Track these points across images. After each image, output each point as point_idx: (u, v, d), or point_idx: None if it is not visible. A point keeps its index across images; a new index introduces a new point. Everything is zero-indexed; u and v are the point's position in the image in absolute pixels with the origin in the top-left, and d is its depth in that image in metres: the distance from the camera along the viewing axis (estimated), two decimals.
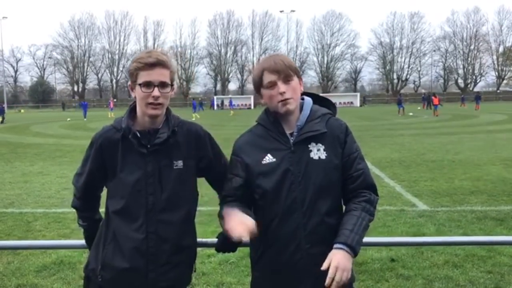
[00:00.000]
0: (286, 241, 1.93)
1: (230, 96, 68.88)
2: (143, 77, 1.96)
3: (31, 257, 5.10)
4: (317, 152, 1.94)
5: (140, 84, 1.97)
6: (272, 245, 1.96)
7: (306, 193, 1.91)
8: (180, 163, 2.05)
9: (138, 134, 2.01)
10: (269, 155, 1.96)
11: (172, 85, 2.02)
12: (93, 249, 2.15)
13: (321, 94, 2.24)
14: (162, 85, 1.97)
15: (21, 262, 4.99)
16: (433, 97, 38.37)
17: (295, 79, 1.99)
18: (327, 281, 1.75)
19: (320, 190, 1.92)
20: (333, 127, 2.00)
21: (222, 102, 66.16)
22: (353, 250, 1.82)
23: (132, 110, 2.09)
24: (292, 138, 1.97)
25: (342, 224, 1.88)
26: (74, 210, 2.25)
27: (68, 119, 38.39)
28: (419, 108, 49.85)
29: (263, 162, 1.96)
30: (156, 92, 1.95)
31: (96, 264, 2.08)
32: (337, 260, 1.77)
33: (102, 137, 2.07)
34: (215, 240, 2.27)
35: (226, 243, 2.27)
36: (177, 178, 2.04)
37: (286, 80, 1.96)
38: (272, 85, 1.96)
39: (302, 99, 2.08)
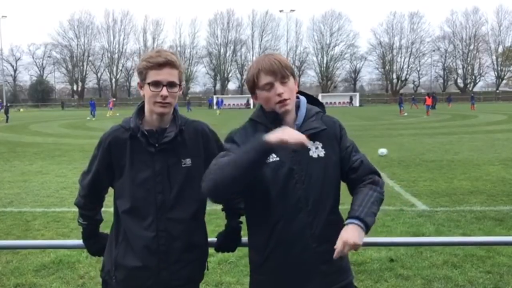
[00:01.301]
0: (293, 242, 1.91)
1: (217, 96, 68.84)
2: (152, 76, 1.98)
3: (30, 256, 5.09)
4: (316, 150, 1.94)
5: (149, 83, 1.99)
6: (279, 247, 1.93)
7: (309, 192, 1.90)
8: (188, 161, 2.07)
9: (146, 133, 2.03)
10: (272, 153, 1.93)
11: (180, 84, 2.05)
12: (106, 251, 2.16)
13: (320, 94, 2.23)
14: (171, 84, 2.00)
15: (20, 261, 4.98)
16: (426, 97, 38.69)
17: (291, 79, 1.96)
18: (335, 255, 1.78)
19: (322, 188, 1.92)
20: (328, 124, 2.01)
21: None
22: (363, 222, 1.80)
23: (141, 109, 2.11)
24: None
25: (350, 205, 1.88)
26: (75, 208, 2.25)
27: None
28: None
29: (268, 161, 1.92)
30: (164, 91, 1.98)
31: (110, 266, 2.09)
32: (345, 236, 1.77)
33: (110, 136, 2.08)
34: (214, 239, 2.27)
35: (225, 243, 2.28)
36: (186, 176, 2.06)
37: (283, 81, 1.93)
38: (270, 86, 1.93)
39: (297, 97, 2.08)
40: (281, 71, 1.92)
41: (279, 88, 1.92)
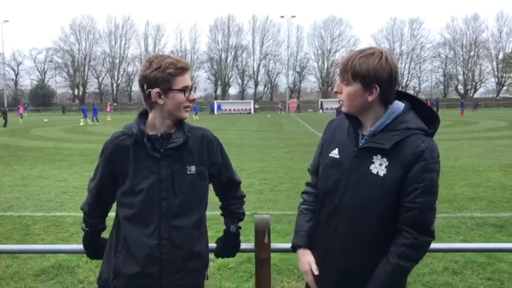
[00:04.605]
0: (321, 242, 1.94)
1: (218, 101, 69.02)
2: (181, 82, 1.98)
3: (30, 261, 5.08)
4: (379, 166, 1.77)
5: (179, 89, 1.98)
6: (315, 245, 1.99)
7: (352, 202, 1.82)
8: (193, 168, 2.04)
9: (152, 138, 2.01)
10: (337, 149, 1.89)
11: None
12: (104, 260, 2.14)
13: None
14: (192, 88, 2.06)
15: (20, 266, 4.97)
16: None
17: (355, 85, 1.76)
18: None
19: (366, 205, 1.79)
20: (407, 146, 1.73)
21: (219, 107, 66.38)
22: None
23: (142, 114, 2.07)
24: (361, 141, 1.84)
25: (376, 271, 1.79)
26: (75, 213, 2.25)
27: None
28: None
29: (329, 154, 1.91)
30: (193, 94, 2.03)
31: (108, 274, 2.06)
32: None
33: (112, 144, 2.05)
34: (214, 245, 2.27)
35: (225, 248, 2.28)
36: (190, 183, 2.03)
37: (343, 82, 1.82)
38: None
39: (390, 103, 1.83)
40: (342, 72, 1.81)
41: (336, 86, 1.88)
